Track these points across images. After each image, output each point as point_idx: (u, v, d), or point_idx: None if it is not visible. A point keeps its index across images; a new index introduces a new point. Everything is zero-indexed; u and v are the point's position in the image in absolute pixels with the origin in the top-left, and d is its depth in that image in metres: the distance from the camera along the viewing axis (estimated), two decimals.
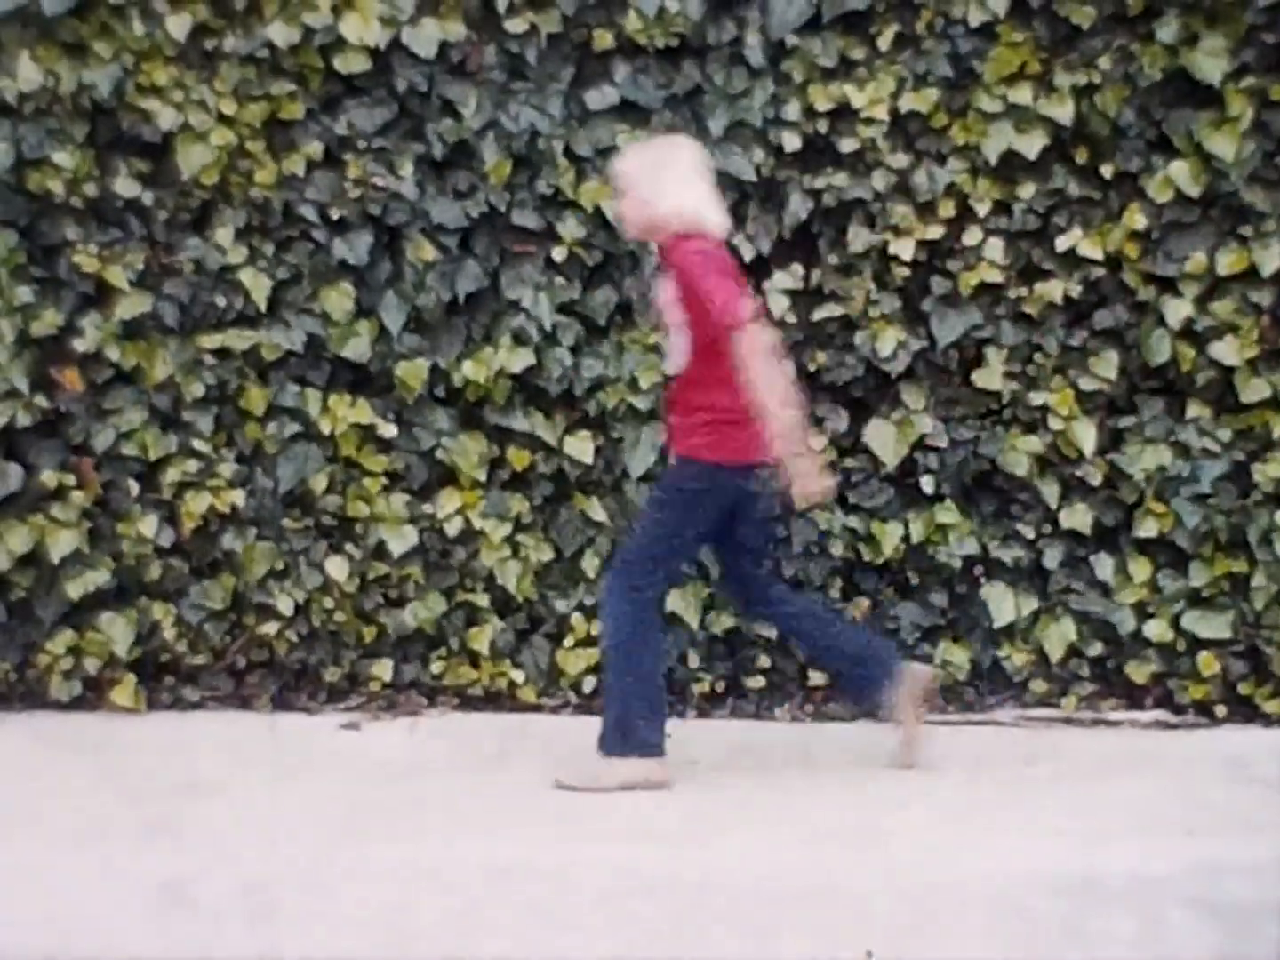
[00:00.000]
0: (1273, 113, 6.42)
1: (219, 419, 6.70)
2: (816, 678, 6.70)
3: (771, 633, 6.67)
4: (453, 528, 6.70)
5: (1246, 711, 6.59)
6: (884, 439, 6.61)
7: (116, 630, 6.66)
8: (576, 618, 6.72)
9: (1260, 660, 6.58)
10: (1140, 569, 6.59)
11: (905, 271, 6.57)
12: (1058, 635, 6.59)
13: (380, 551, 6.73)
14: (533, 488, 6.75)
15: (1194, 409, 6.55)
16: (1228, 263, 6.46)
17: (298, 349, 6.65)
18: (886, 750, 5.99)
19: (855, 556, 6.70)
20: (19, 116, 6.55)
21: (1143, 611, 6.60)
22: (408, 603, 6.77)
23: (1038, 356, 6.57)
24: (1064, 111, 6.43)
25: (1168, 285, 6.52)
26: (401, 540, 6.70)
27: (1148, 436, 6.56)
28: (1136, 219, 6.46)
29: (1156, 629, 6.57)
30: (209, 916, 4.73)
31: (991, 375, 6.57)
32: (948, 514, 6.62)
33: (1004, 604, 6.63)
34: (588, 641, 6.72)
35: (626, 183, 5.72)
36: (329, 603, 6.73)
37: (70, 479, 6.66)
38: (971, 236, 6.52)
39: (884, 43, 6.50)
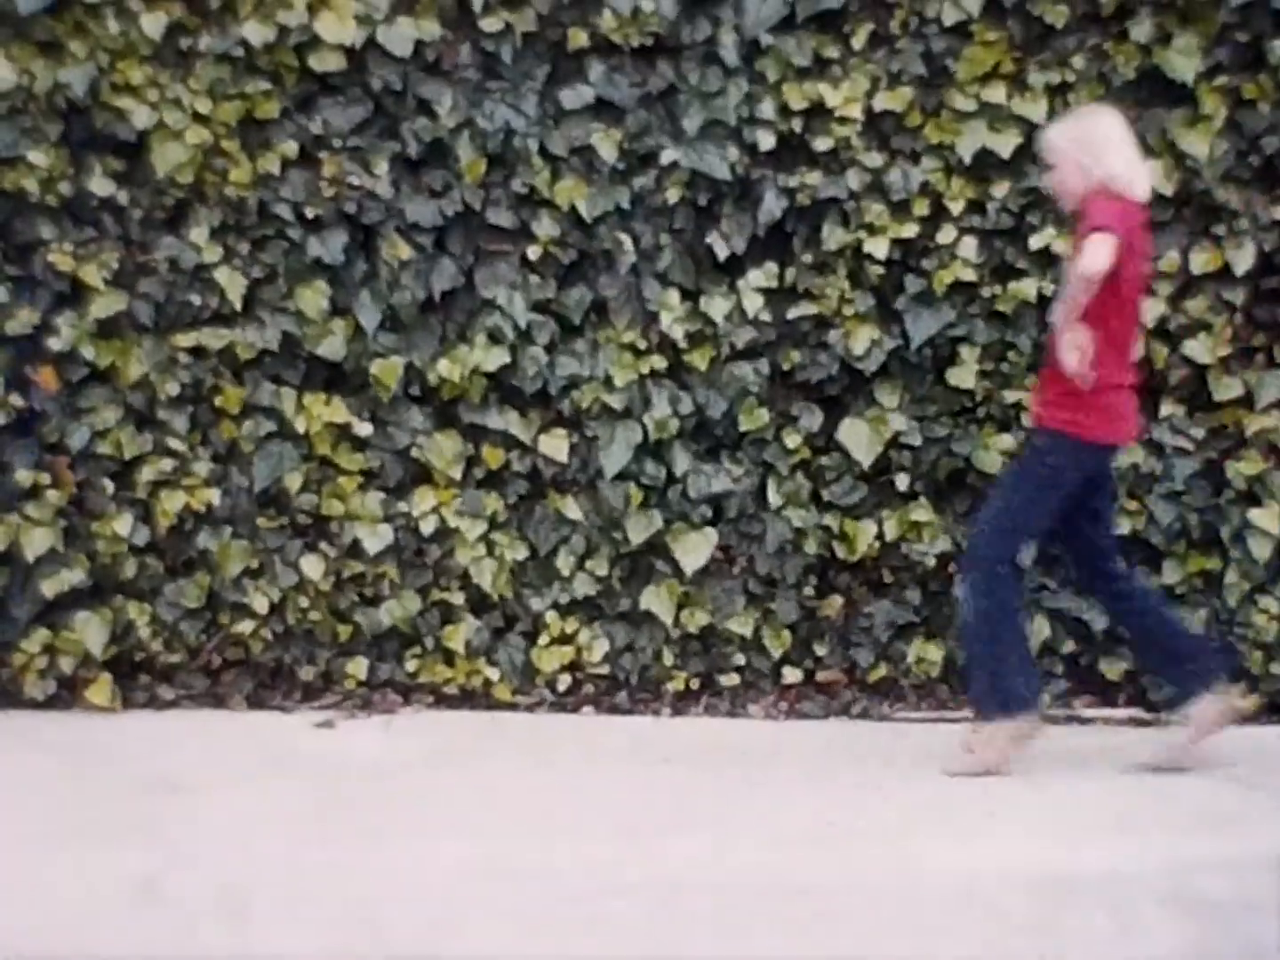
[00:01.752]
0: (1246, 111, 6.44)
1: (194, 417, 6.70)
2: (791, 675, 6.72)
3: (746, 630, 6.70)
4: (428, 526, 6.71)
5: None
6: (858, 437, 6.61)
7: (91, 629, 6.66)
8: (551, 616, 6.73)
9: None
10: None
11: (879, 270, 6.58)
12: (1031, 633, 6.59)
13: (355, 550, 6.74)
14: (507, 486, 6.75)
15: (1167, 407, 6.57)
16: (1201, 261, 6.49)
17: (273, 347, 6.65)
18: (860, 747, 5.98)
19: (829, 554, 6.72)
20: None
21: None
22: (383, 601, 6.77)
23: (1011, 355, 6.58)
24: (1038, 110, 6.44)
25: None
26: (376, 539, 6.70)
27: None
28: None
29: None
30: (183, 915, 4.73)
31: (965, 373, 6.58)
32: (921, 512, 6.64)
33: None
34: (562, 639, 6.74)
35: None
36: (304, 601, 6.74)
37: (45, 478, 6.65)
38: (945, 235, 6.53)
39: (858, 42, 6.51)
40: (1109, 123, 5.77)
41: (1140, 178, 5.75)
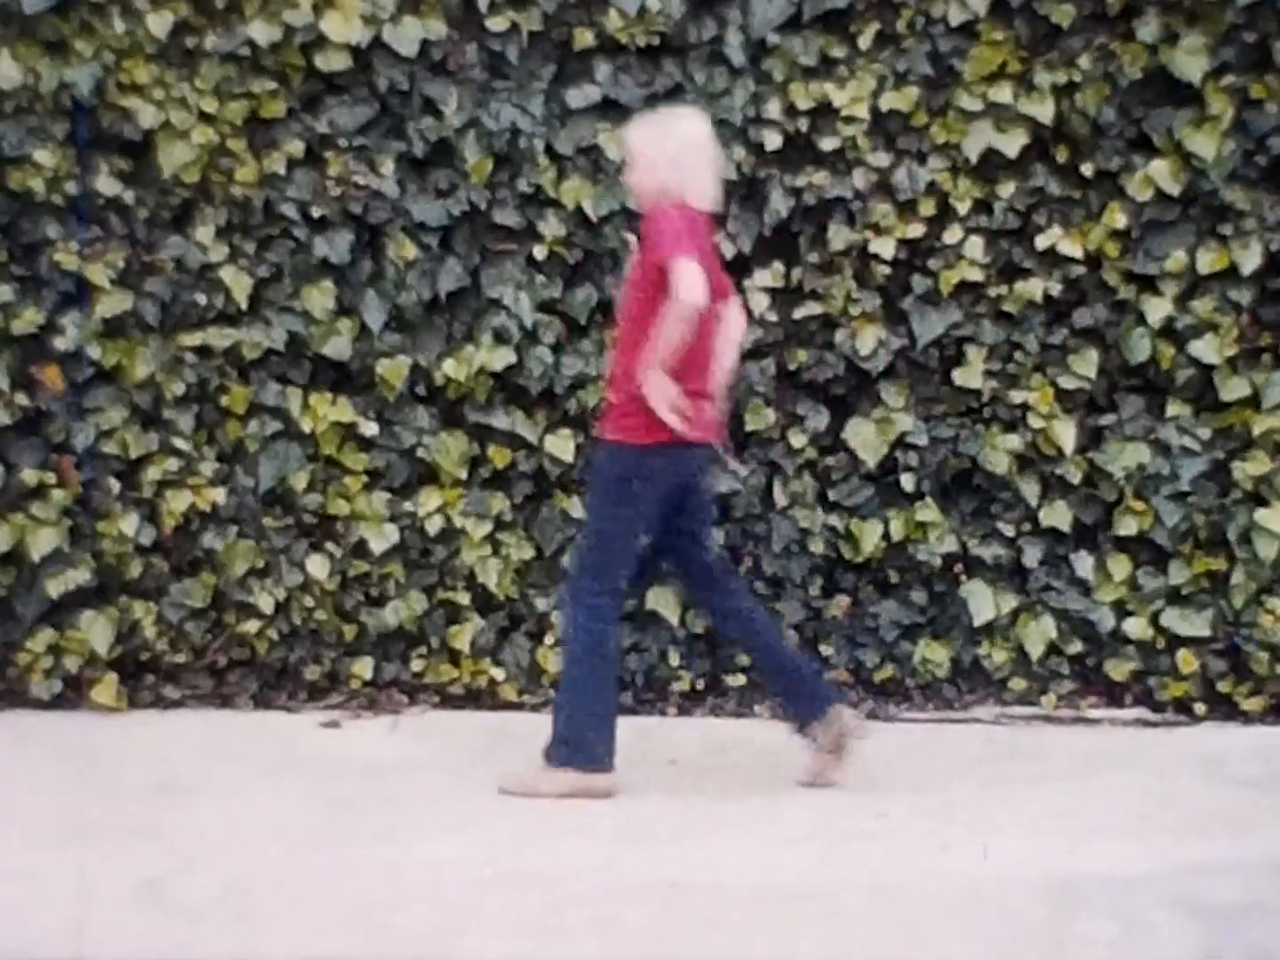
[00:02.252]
0: (1253, 111, 6.43)
1: (200, 417, 6.70)
2: None
3: None
4: (433, 526, 6.70)
5: (1225, 709, 6.61)
6: (864, 437, 6.61)
7: (97, 629, 6.65)
8: (557, 616, 6.72)
9: (1239, 658, 6.59)
10: (1120, 567, 6.60)
11: (886, 270, 6.57)
12: (1037, 633, 6.60)
13: (361, 550, 6.73)
14: (513, 486, 6.75)
15: (1174, 407, 6.56)
16: (1207, 261, 6.48)
17: (279, 347, 6.65)
18: (865, 748, 5.97)
19: (835, 555, 6.71)
20: None
21: (1122, 609, 6.62)
22: (388, 601, 6.77)
23: (1018, 355, 6.58)
24: (1044, 110, 6.44)
25: (1148, 284, 6.53)
26: (382, 538, 6.69)
27: (1127, 435, 6.57)
28: (1116, 217, 6.47)
29: (1136, 627, 6.59)
30: (188, 916, 4.73)
31: (972, 373, 6.58)
32: (928, 512, 6.63)
33: (984, 602, 6.64)
34: None
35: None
36: (309, 601, 6.73)
37: (51, 477, 6.65)
38: (952, 235, 6.53)
39: (864, 41, 6.51)
40: (687, 126, 5.62)
41: (706, 185, 5.59)
